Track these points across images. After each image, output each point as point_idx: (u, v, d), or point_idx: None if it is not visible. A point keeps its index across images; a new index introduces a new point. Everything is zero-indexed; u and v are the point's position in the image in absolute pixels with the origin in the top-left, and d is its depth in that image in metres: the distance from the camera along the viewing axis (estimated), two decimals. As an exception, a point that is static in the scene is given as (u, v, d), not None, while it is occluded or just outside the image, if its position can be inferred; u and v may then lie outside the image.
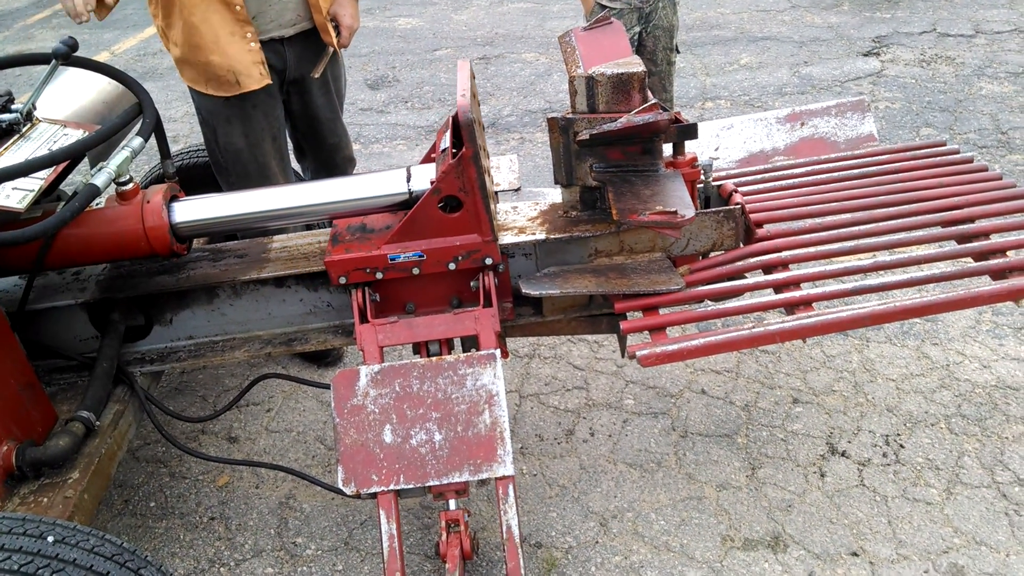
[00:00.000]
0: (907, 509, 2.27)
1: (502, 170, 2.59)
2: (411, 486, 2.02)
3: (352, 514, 2.45)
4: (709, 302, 2.15)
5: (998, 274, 2.01)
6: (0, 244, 1.85)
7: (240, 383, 2.98)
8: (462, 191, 2.05)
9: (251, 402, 2.94)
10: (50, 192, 2.25)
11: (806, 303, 2.01)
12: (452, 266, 2.15)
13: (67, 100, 2.55)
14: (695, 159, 2.15)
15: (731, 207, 2.17)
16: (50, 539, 1.59)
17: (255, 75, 2.56)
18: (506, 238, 2.21)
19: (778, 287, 2.09)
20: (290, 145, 2.93)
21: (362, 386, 2.10)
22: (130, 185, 2.15)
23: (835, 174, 2.43)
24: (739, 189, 2.35)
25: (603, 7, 3.50)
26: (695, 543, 2.25)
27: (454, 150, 2.05)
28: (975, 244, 2.09)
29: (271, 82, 2.59)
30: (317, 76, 2.70)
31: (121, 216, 2.15)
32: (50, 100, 2.50)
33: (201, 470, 2.67)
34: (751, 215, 2.26)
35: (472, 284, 2.21)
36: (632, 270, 2.16)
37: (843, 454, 2.46)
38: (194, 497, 2.58)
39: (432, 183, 2.07)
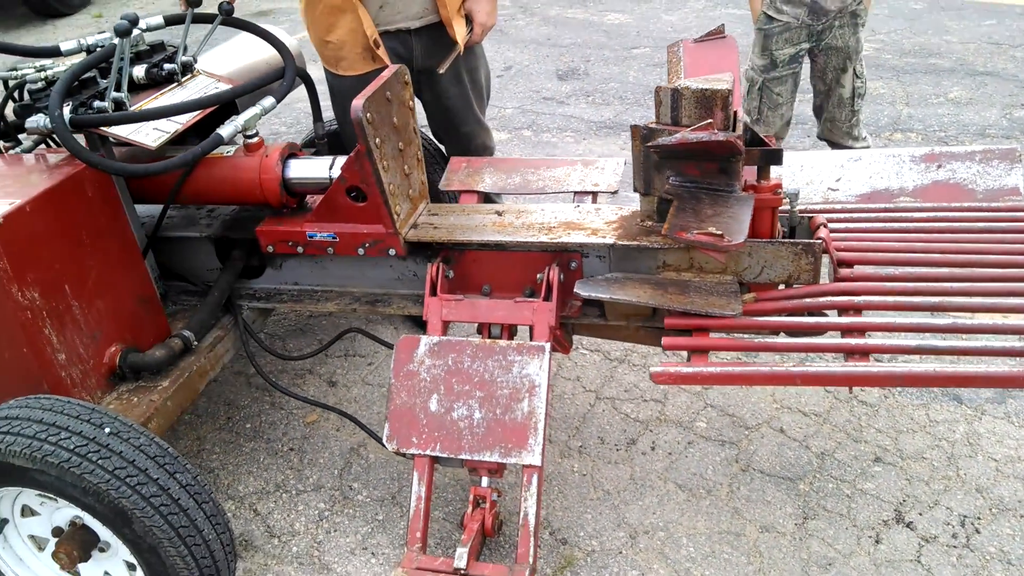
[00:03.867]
0: (960, 598, 2.08)
1: (605, 171, 2.62)
2: (445, 455, 2.14)
3: (407, 473, 2.60)
4: (768, 335, 2.07)
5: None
6: (128, 174, 2.16)
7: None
8: (363, 183, 2.20)
9: (357, 353, 3.18)
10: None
11: (863, 353, 1.89)
12: (361, 251, 2.35)
13: (233, 59, 2.87)
14: (778, 186, 2.07)
15: (812, 241, 2.07)
16: (106, 430, 1.86)
17: (368, 60, 2.74)
18: (577, 237, 2.25)
19: (843, 331, 1.97)
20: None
21: (420, 354, 2.24)
22: (255, 139, 2.41)
23: (953, 224, 2.23)
24: (836, 224, 2.23)
25: (771, 18, 3.38)
26: (717, 577, 2.19)
27: None
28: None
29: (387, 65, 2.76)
30: (442, 71, 2.84)
31: (242, 165, 2.41)
32: (217, 58, 2.83)
33: (297, 406, 2.93)
34: (842, 253, 2.14)
35: (538, 277, 2.27)
36: (694, 288, 2.12)
37: (908, 525, 2.27)
38: (283, 428, 2.84)
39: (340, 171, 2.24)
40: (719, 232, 1.85)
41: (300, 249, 2.38)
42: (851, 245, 2.19)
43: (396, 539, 2.39)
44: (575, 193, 2.57)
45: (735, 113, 2.06)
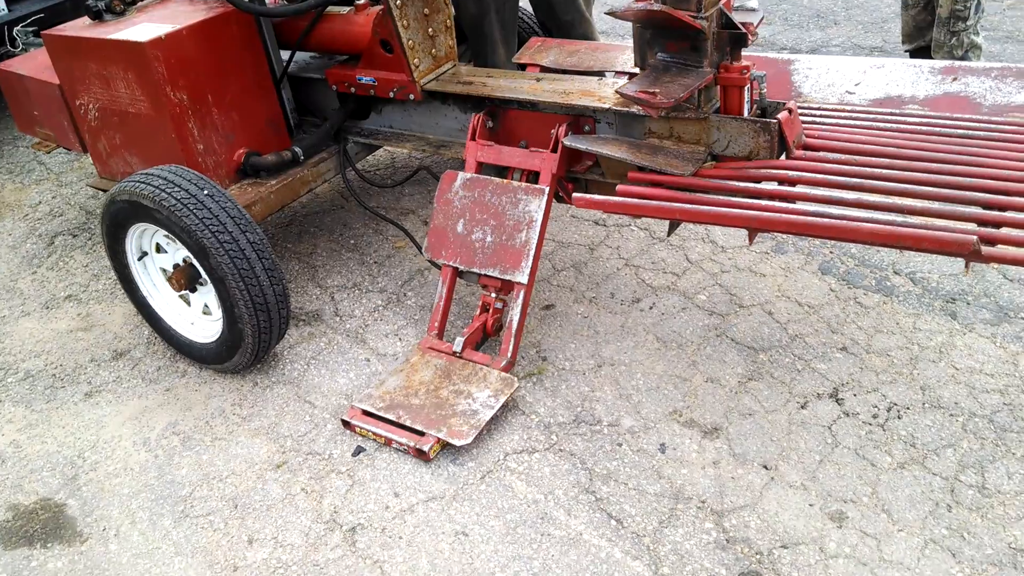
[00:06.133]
0: (847, 460, 2.32)
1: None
2: (462, 267, 2.72)
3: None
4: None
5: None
6: (256, 13, 2.87)
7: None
8: (389, 36, 2.76)
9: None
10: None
11: (771, 211, 2.16)
12: (392, 95, 2.95)
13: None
14: (746, 68, 2.33)
15: (769, 120, 2.32)
16: (205, 192, 2.61)
17: None
18: (585, 101, 2.65)
19: (772, 198, 2.25)
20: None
21: (456, 186, 2.80)
22: (363, 1, 3.02)
23: (935, 129, 2.36)
24: (825, 119, 2.46)
25: None
26: (651, 404, 2.58)
27: None
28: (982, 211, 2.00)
29: None
30: None
31: (353, 20, 3.04)
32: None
33: (393, 233, 3.60)
34: (810, 139, 2.38)
35: (552, 132, 2.71)
36: (665, 152, 2.47)
37: (838, 400, 2.51)
38: (376, 247, 3.54)
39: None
40: (655, 91, 2.20)
41: (352, 89, 3.00)
42: (823, 134, 2.41)
43: (422, 333, 3.00)
44: (615, 72, 2.93)
45: (721, 1, 2.32)
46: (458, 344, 2.70)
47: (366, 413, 2.59)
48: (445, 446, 2.47)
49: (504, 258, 2.68)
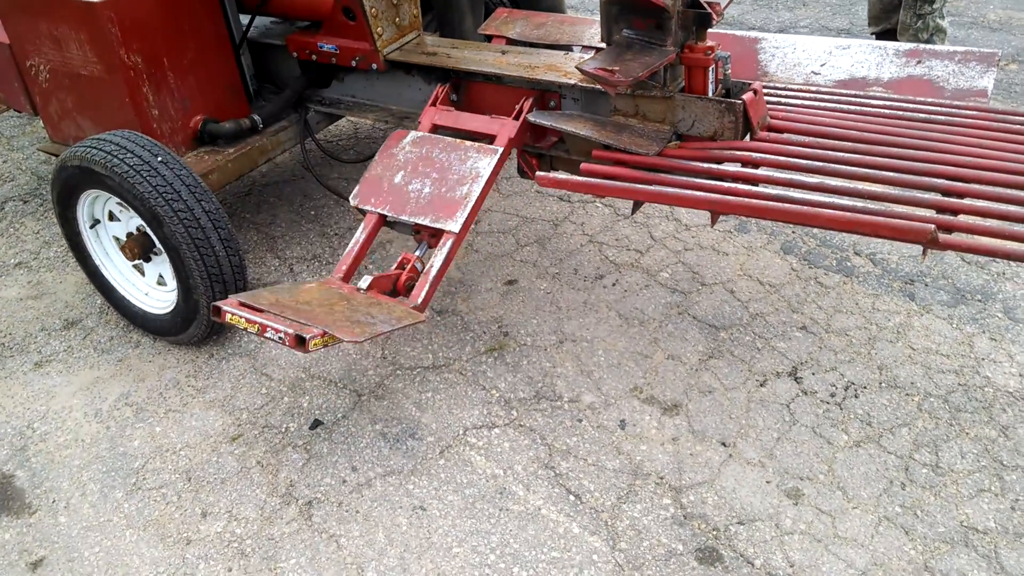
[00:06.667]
0: (804, 438, 2.34)
1: None
2: (390, 215, 2.54)
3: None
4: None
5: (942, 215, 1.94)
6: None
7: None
8: (352, 3, 2.72)
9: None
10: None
11: (734, 195, 2.16)
12: (354, 63, 2.89)
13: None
14: (711, 48, 2.32)
15: (733, 101, 2.31)
16: (159, 159, 2.54)
17: None
18: (550, 76, 2.61)
19: (735, 180, 2.24)
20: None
21: (404, 143, 2.67)
22: (326, -34, 2.95)
23: (898, 113, 2.37)
24: (789, 100, 2.45)
25: None
26: (611, 381, 2.58)
27: None
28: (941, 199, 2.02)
29: None
30: None
31: (310, -16, 2.96)
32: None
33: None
34: (776, 120, 2.37)
35: (516, 106, 2.67)
36: (630, 131, 2.45)
37: (797, 379, 2.53)
38: (337, 218, 3.48)
39: None
40: (614, 68, 2.17)
41: (314, 57, 2.93)
42: (788, 115, 2.41)
43: (382, 308, 2.96)
44: (582, 47, 2.90)
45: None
46: (364, 281, 2.36)
47: (244, 305, 2.21)
48: (331, 342, 2.09)
49: (439, 208, 2.50)
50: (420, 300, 2.35)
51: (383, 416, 2.53)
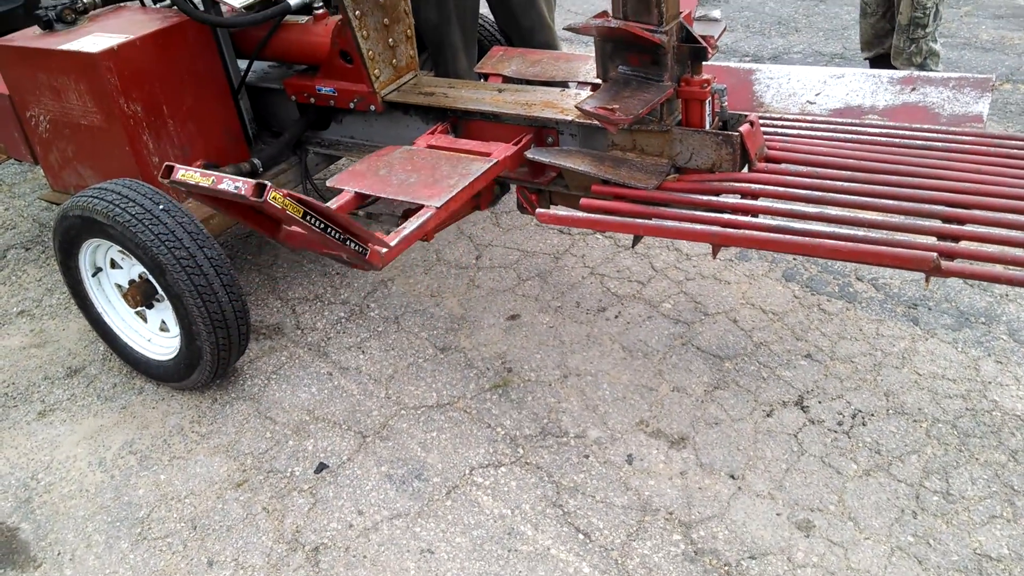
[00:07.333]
0: (813, 468, 2.32)
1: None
2: (368, 192, 2.46)
3: (415, 303, 3.15)
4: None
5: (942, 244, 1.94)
6: (211, 23, 2.81)
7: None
8: (349, 48, 2.73)
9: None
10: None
11: (735, 227, 2.16)
12: (352, 105, 2.90)
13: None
14: (707, 82, 2.33)
15: (731, 133, 2.32)
16: (160, 207, 2.55)
17: None
18: (548, 113, 2.63)
19: (734, 211, 2.24)
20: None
21: (396, 153, 2.65)
22: (321, 10, 2.98)
23: (895, 140, 2.37)
24: (786, 130, 2.46)
25: None
26: (617, 415, 2.56)
27: None
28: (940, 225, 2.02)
29: None
30: None
31: (310, 30, 2.99)
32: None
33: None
34: (774, 151, 2.38)
35: (515, 141, 2.68)
36: (628, 165, 2.46)
37: (804, 408, 2.51)
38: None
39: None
40: (614, 107, 2.18)
41: (312, 100, 2.95)
42: (785, 146, 2.42)
43: (386, 345, 2.96)
44: (579, 83, 2.92)
45: (681, 14, 2.32)
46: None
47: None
48: (291, 208, 2.02)
49: (424, 190, 2.40)
50: (392, 244, 2.24)
51: (388, 457, 2.51)
